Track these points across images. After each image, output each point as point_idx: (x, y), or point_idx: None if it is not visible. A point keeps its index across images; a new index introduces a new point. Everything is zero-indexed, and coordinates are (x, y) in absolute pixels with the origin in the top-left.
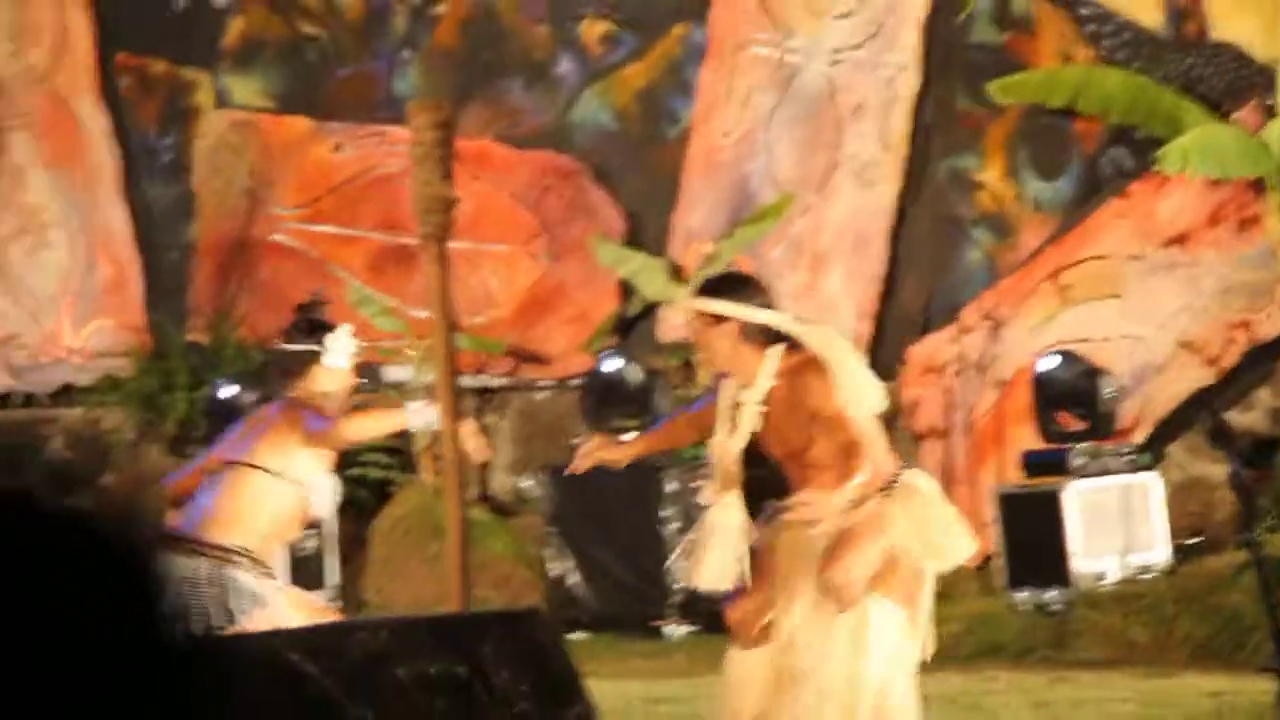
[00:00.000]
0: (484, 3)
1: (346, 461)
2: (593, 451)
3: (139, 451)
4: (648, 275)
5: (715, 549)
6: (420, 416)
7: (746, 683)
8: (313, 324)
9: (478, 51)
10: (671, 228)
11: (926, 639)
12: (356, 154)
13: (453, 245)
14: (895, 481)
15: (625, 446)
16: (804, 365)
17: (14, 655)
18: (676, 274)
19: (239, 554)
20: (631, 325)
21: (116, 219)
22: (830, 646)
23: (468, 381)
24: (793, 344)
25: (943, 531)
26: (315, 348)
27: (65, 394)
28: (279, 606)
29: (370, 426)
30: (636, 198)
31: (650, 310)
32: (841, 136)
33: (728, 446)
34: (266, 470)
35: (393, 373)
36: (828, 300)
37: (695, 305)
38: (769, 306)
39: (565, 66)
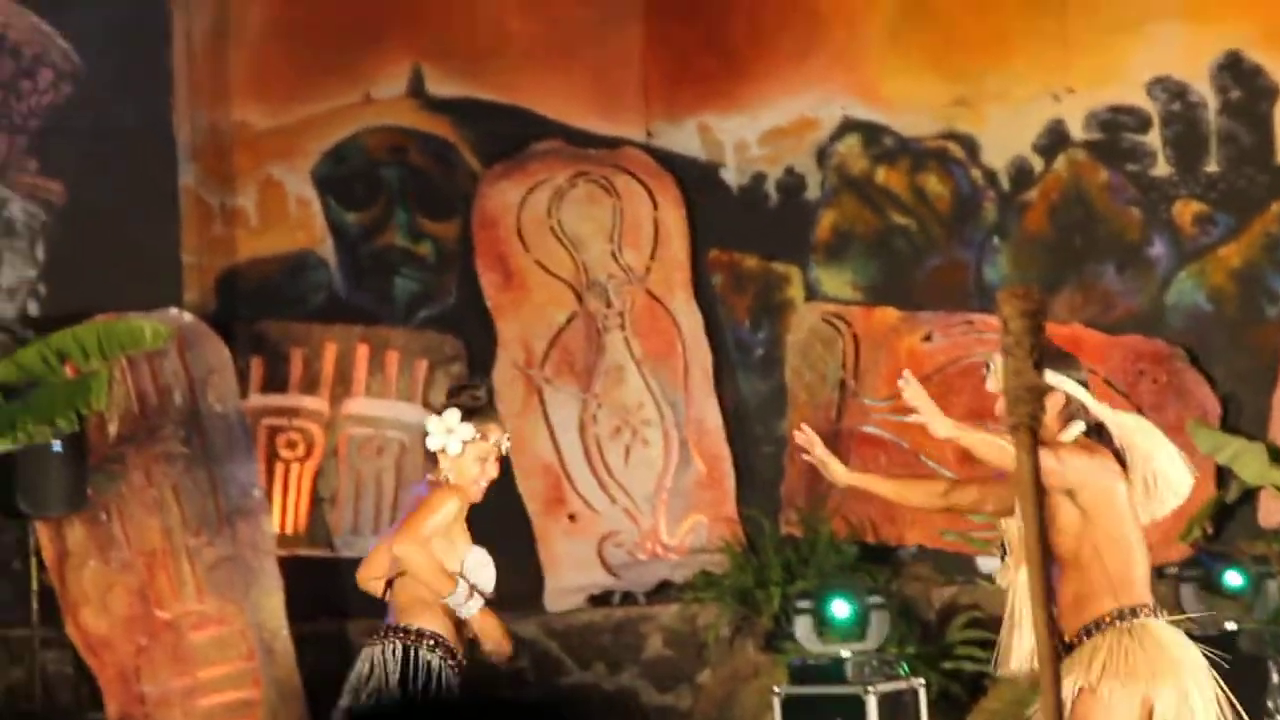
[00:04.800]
0: (1075, 189)
1: (940, 655)
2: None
3: (734, 648)
4: (1247, 459)
5: (1029, 628)
6: (461, 601)
7: None
8: (468, 409)
9: (1069, 237)
10: (1271, 409)
11: None
12: (946, 343)
13: None
14: (1139, 614)
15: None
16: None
17: None
18: (1278, 457)
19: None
20: (1230, 512)
21: (710, 414)
22: None
23: None
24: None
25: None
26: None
27: (662, 591)
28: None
29: (422, 562)
30: (1233, 379)
31: (1250, 495)
32: None
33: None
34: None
35: (986, 564)
36: None
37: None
38: (1085, 384)
39: (1158, 249)
